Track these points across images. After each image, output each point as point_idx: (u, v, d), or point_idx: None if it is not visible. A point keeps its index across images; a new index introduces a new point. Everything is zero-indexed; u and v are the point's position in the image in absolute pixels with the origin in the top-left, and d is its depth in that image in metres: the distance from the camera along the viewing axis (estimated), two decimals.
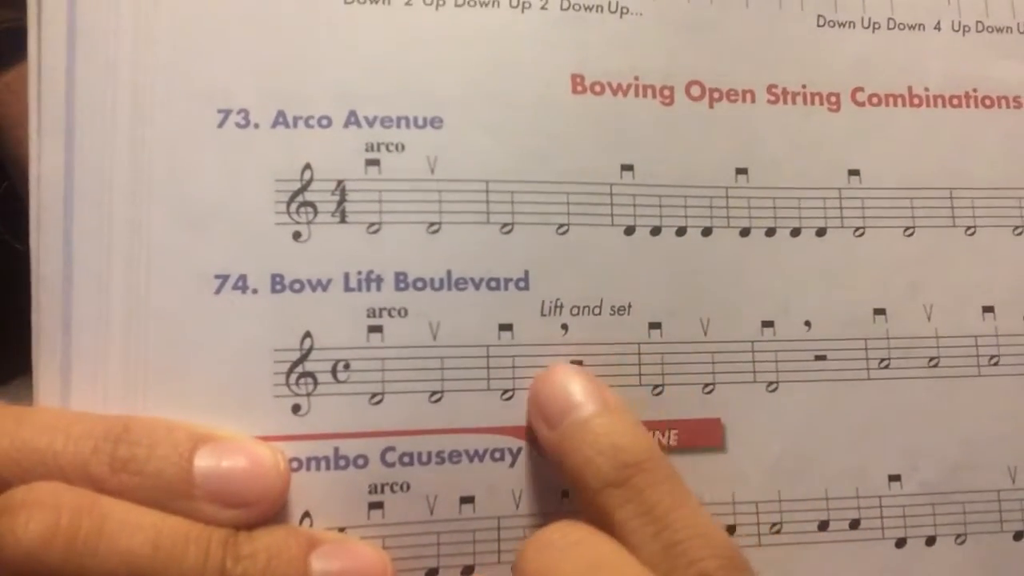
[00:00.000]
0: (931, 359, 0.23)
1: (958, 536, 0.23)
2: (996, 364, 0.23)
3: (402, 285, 0.20)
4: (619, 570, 0.17)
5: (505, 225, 0.21)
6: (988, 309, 0.23)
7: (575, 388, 0.20)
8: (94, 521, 0.16)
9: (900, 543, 0.22)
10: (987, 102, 0.24)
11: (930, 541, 0.22)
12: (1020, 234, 0.24)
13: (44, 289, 0.19)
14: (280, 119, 0.20)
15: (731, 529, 0.22)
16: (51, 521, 0.16)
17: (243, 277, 0.20)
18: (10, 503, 0.16)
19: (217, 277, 0.20)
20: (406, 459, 0.20)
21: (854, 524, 0.22)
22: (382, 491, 0.20)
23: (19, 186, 0.26)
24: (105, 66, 0.20)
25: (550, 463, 0.20)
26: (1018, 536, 0.23)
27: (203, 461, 0.18)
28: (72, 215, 0.20)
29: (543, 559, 0.18)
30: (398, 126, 0.21)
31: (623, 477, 0.18)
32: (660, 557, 0.17)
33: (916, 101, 0.24)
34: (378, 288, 0.20)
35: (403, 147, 0.21)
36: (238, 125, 0.20)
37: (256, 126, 0.20)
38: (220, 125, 0.20)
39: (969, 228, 0.24)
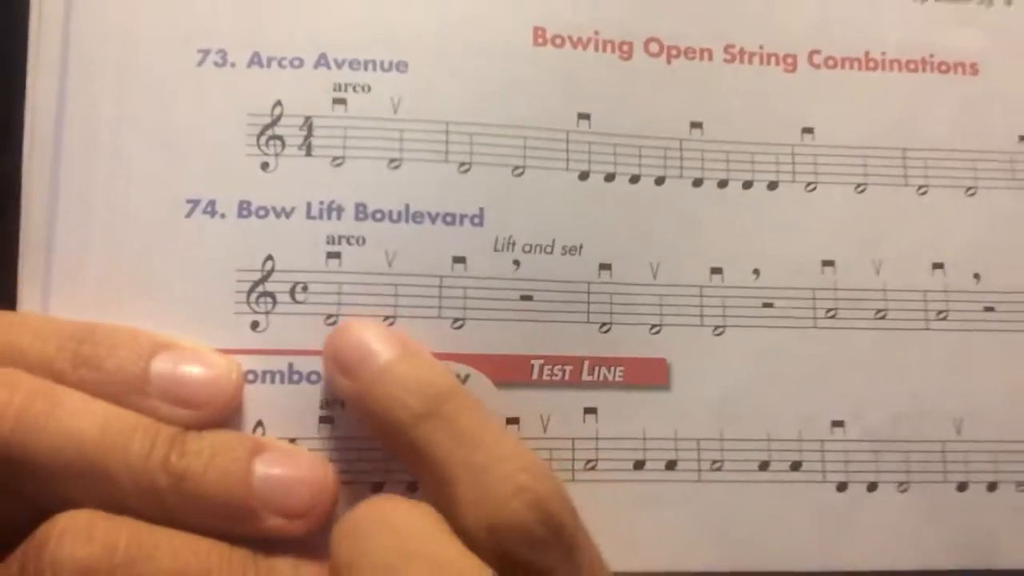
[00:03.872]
0: (878, 311, 0.22)
1: (900, 484, 0.22)
2: (944, 319, 0.23)
3: (361, 215, 0.21)
4: (431, 546, 0.16)
5: (463, 164, 0.21)
6: (938, 265, 0.23)
7: (370, 336, 0.19)
8: (47, 402, 0.17)
9: (841, 487, 0.22)
10: (943, 67, 0.24)
11: (872, 487, 0.22)
12: (972, 195, 0.23)
13: (32, 207, 0.20)
14: (255, 59, 0.21)
15: (672, 464, 0.21)
16: (5, 398, 0.17)
17: (212, 202, 0.20)
18: None
19: (189, 202, 0.20)
20: None
21: (795, 466, 0.22)
22: (333, 407, 0.20)
23: None
24: (96, 8, 0.21)
25: (355, 413, 0.19)
26: (962, 487, 0.22)
27: (160, 364, 0.18)
28: (61, 141, 0.20)
29: (350, 546, 0.17)
30: (365, 69, 0.21)
31: (433, 408, 0.18)
32: (476, 478, 0.17)
33: (872, 65, 0.23)
34: (338, 217, 0.20)
35: (369, 88, 0.21)
36: (216, 64, 0.21)
37: (232, 65, 0.21)
38: (199, 64, 0.21)
39: (921, 187, 0.23)
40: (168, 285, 0.20)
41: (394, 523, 0.17)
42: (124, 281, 0.20)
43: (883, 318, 0.22)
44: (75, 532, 0.16)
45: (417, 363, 0.19)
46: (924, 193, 0.23)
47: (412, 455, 0.18)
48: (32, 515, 0.17)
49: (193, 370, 0.18)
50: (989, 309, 0.23)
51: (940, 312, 0.23)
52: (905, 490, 0.22)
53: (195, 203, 0.20)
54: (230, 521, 0.18)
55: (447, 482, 0.17)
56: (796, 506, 0.22)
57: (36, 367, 0.18)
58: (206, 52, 0.21)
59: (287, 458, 0.18)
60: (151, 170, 0.20)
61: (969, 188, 0.23)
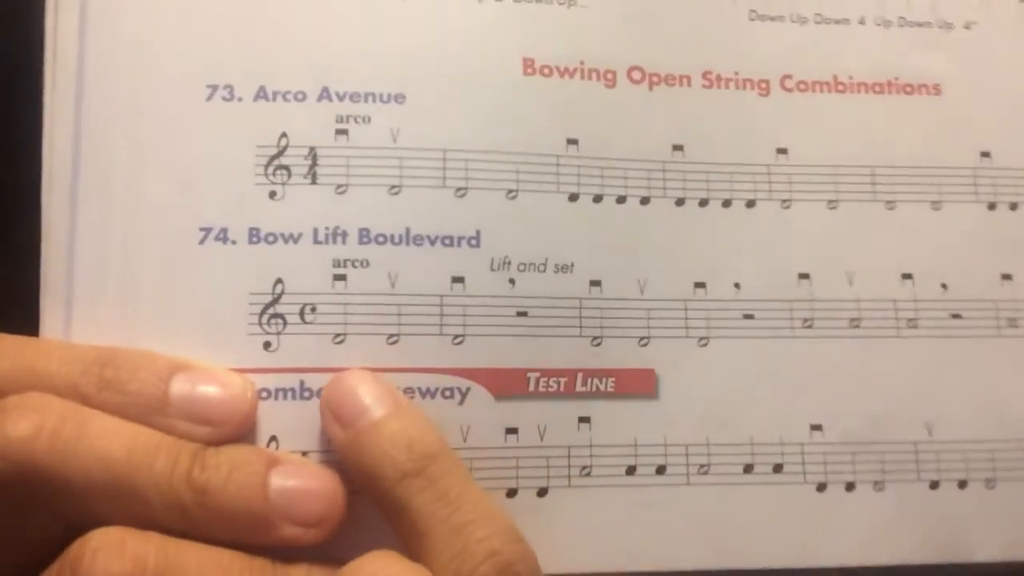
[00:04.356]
0: (852, 320, 0.24)
1: (876, 483, 0.23)
2: (914, 327, 0.24)
3: (365, 239, 0.22)
4: None
5: (460, 189, 0.22)
6: (907, 276, 0.24)
7: (365, 391, 0.20)
8: (77, 425, 0.18)
9: (821, 487, 0.23)
10: (908, 89, 0.25)
11: (849, 487, 0.23)
12: (938, 209, 0.25)
13: (51, 237, 0.21)
14: (261, 93, 0.22)
15: (661, 469, 0.22)
16: (38, 421, 0.17)
17: (224, 230, 0.21)
18: (4, 406, 0.18)
19: (202, 230, 0.21)
20: None
21: (777, 468, 0.23)
22: None
23: None
24: (110, 46, 0.22)
25: (344, 463, 0.20)
26: (934, 485, 0.23)
27: (179, 385, 0.19)
28: (78, 175, 0.21)
29: None
30: (365, 101, 0.22)
31: (420, 467, 0.19)
32: (453, 537, 0.18)
33: (841, 88, 0.25)
34: (343, 241, 0.22)
35: (369, 119, 0.22)
36: (224, 99, 0.22)
37: (240, 99, 0.22)
38: (208, 98, 0.22)
39: (890, 203, 0.24)
40: (184, 309, 0.21)
41: (391, 571, 0.18)
42: (142, 306, 0.21)
43: (857, 327, 0.24)
44: (108, 549, 0.17)
45: (408, 422, 0.20)
46: (892, 208, 0.24)
47: (394, 509, 0.19)
48: (63, 532, 0.18)
49: (210, 390, 0.19)
50: (956, 316, 0.24)
51: (910, 320, 0.24)
52: (881, 489, 0.23)
53: (208, 231, 0.21)
54: (249, 531, 0.19)
55: (424, 538, 0.18)
56: (779, 506, 0.23)
57: (63, 391, 0.19)
58: (214, 88, 0.22)
59: (301, 470, 0.20)
60: (165, 200, 0.21)
61: (935, 202, 0.25)
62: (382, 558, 0.18)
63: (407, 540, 0.19)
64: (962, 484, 0.23)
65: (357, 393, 0.20)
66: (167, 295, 0.21)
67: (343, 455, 0.20)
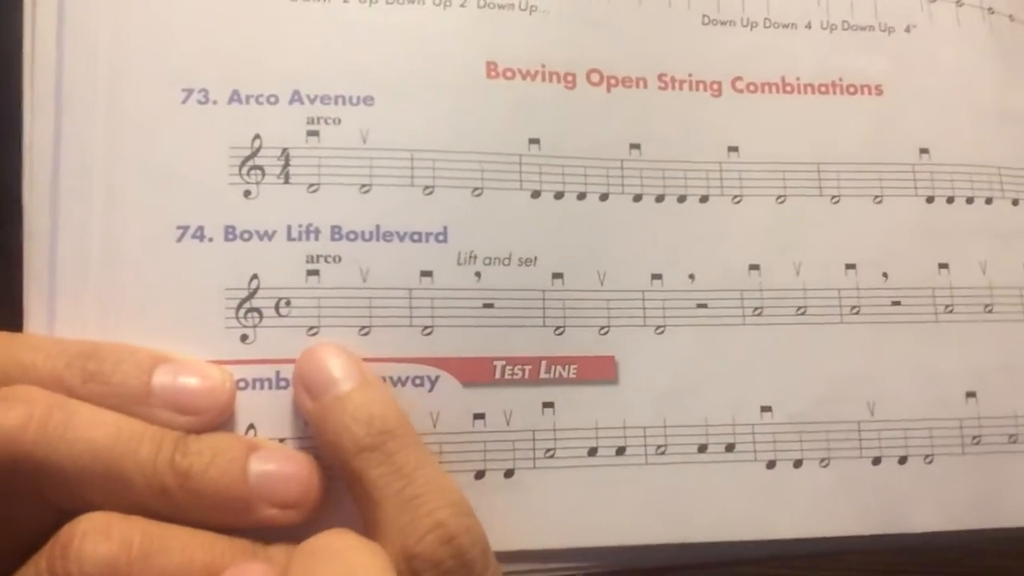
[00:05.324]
0: (799, 308, 0.25)
1: (822, 460, 0.24)
2: (857, 313, 0.25)
3: (337, 236, 0.22)
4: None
5: (427, 187, 0.23)
6: (850, 266, 0.26)
7: (335, 364, 0.21)
8: (64, 414, 0.18)
9: (770, 465, 0.24)
10: (851, 89, 0.26)
11: (797, 464, 0.24)
12: (879, 202, 0.26)
13: (33, 237, 0.22)
14: (235, 97, 0.23)
15: (621, 451, 0.24)
16: (27, 411, 0.18)
17: (201, 228, 0.22)
18: None
19: (179, 228, 0.22)
20: None
21: (730, 447, 0.24)
22: None
23: None
24: (88, 53, 0.22)
25: (313, 436, 0.21)
26: (876, 461, 0.25)
27: (160, 376, 0.20)
28: (58, 176, 0.22)
29: (304, 566, 0.18)
30: (336, 103, 0.23)
31: (377, 443, 0.20)
32: (402, 509, 0.19)
33: (788, 89, 0.26)
34: (316, 238, 0.22)
35: (340, 121, 0.23)
36: (199, 102, 0.23)
37: (214, 102, 0.23)
38: (184, 102, 0.23)
39: (834, 197, 0.26)
40: (164, 304, 0.22)
41: (348, 559, 0.18)
42: (123, 302, 0.22)
43: (803, 314, 0.25)
44: (95, 532, 0.18)
45: (371, 396, 0.20)
46: (837, 202, 0.26)
47: (353, 481, 0.20)
48: (53, 518, 0.19)
49: (190, 381, 0.20)
50: (896, 303, 0.26)
51: (853, 307, 0.25)
52: (826, 465, 0.25)
53: (185, 229, 0.22)
54: (230, 513, 0.19)
55: (377, 509, 0.19)
56: (731, 483, 0.24)
57: (48, 383, 0.19)
58: (190, 91, 0.23)
59: (278, 455, 0.20)
60: (143, 200, 0.22)
61: (876, 196, 0.26)
62: (336, 533, 0.19)
63: (364, 512, 0.20)
64: (902, 460, 0.25)
65: (327, 366, 0.21)
66: (147, 291, 0.22)
67: (312, 427, 0.21)
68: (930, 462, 0.25)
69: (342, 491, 0.21)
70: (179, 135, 0.22)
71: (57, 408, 0.18)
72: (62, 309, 0.21)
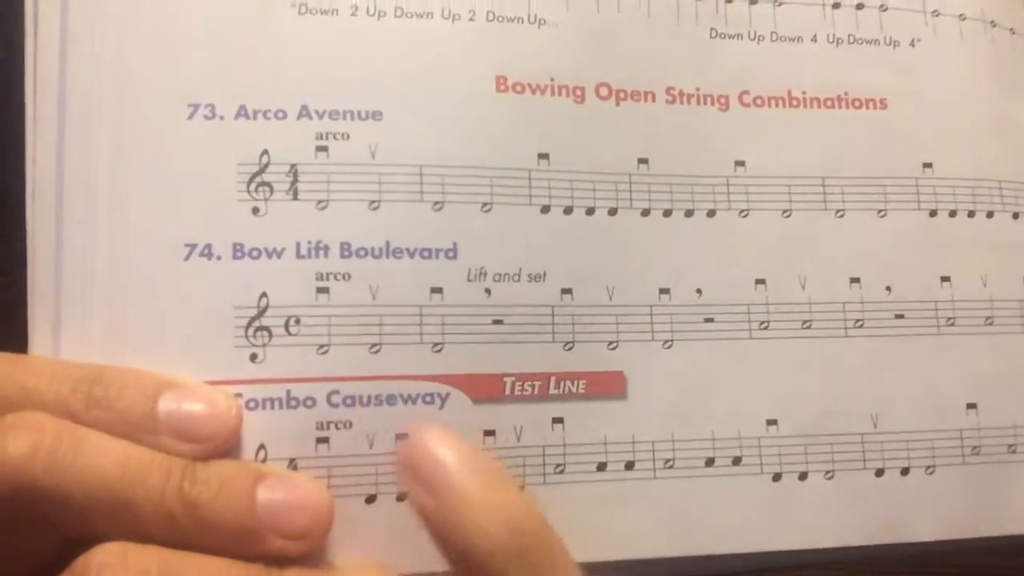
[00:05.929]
0: (804, 322, 0.25)
1: (827, 472, 0.25)
2: (861, 327, 0.25)
3: (346, 253, 0.22)
4: None
5: (436, 203, 0.23)
6: (855, 280, 0.26)
7: (451, 457, 0.19)
8: (73, 442, 0.18)
9: (776, 477, 0.24)
10: (856, 104, 0.26)
11: (803, 476, 0.24)
12: (883, 216, 0.26)
13: (38, 256, 0.21)
14: (242, 112, 0.22)
15: (630, 465, 0.24)
16: (35, 440, 0.18)
17: (208, 246, 0.22)
18: (1, 425, 0.18)
19: (186, 246, 0.22)
20: (349, 401, 0.22)
21: (736, 461, 0.24)
22: (328, 428, 0.22)
23: None
24: (92, 66, 0.22)
25: (428, 528, 0.19)
26: (879, 473, 0.25)
27: (166, 403, 0.20)
28: (62, 193, 0.21)
29: None
30: (344, 118, 0.23)
31: (521, 546, 0.18)
32: None
33: (795, 103, 0.26)
34: (325, 255, 0.22)
35: (348, 136, 0.23)
36: (205, 117, 0.22)
37: (221, 118, 0.22)
38: (190, 117, 0.22)
39: (839, 211, 0.26)
40: (171, 324, 0.21)
41: None
42: (130, 322, 0.21)
43: (808, 328, 0.25)
44: (112, 565, 0.17)
45: (505, 496, 0.19)
46: (842, 216, 0.26)
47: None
48: (58, 545, 0.18)
49: (196, 407, 0.20)
50: (899, 316, 0.26)
51: (857, 321, 0.25)
52: (831, 477, 0.25)
53: (192, 247, 0.22)
54: (239, 543, 0.19)
55: None
56: (738, 496, 0.24)
57: (53, 408, 0.19)
58: (196, 106, 0.22)
59: (287, 484, 0.20)
60: (149, 218, 0.22)
61: (880, 211, 0.26)
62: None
63: None
64: (904, 471, 0.25)
65: (445, 459, 0.19)
66: (154, 310, 0.21)
67: (426, 518, 0.19)
68: (931, 472, 0.25)
69: (356, 514, 0.20)
70: (185, 151, 0.22)
71: (66, 436, 0.18)
72: (67, 330, 0.21)
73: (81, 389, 0.19)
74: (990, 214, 0.27)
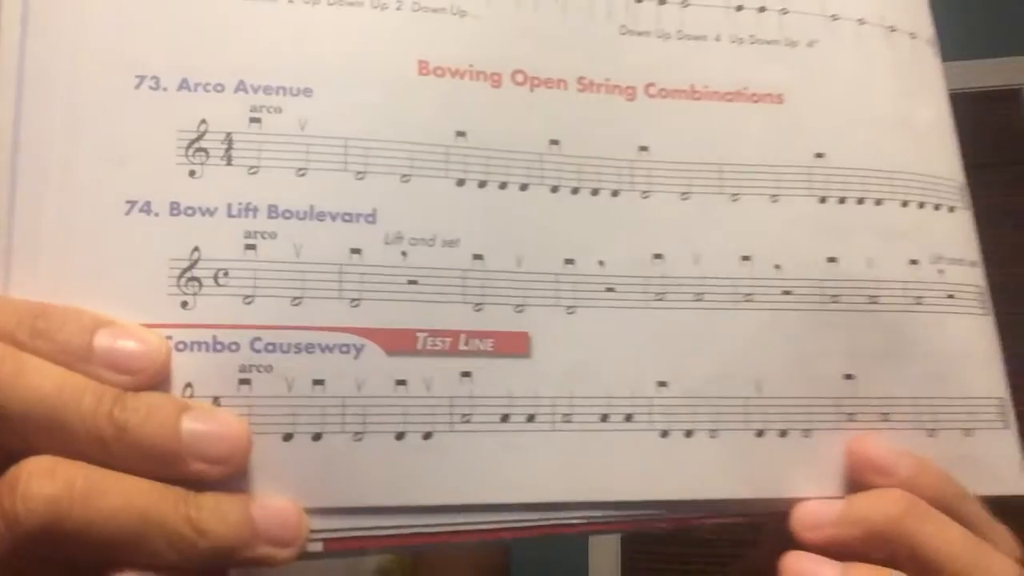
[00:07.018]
0: (697, 294, 0.27)
1: (711, 431, 0.27)
2: (750, 300, 0.28)
3: (273, 214, 0.24)
4: None
5: (359, 173, 0.25)
6: (746, 258, 0.28)
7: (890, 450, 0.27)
8: (15, 364, 0.20)
9: (664, 434, 0.26)
10: (754, 97, 0.29)
11: (688, 434, 0.27)
12: (776, 201, 0.28)
13: None
14: (184, 84, 0.24)
15: (531, 418, 0.26)
16: None
17: (148, 203, 0.24)
18: None
19: (128, 202, 0.24)
20: (270, 347, 0.24)
21: (628, 417, 0.26)
22: (250, 371, 0.24)
23: None
24: (49, 40, 0.24)
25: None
26: (759, 433, 0.27)
27: (101, 338, 0.22)
28: (17, 154, 0.23)
29: None
30: (277, 93, 0.25)
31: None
32: None
33: (697, 96, 0.28)
34: (254, 216, 0.24)
35: (280, 110, 0.25)
36: (150, 88, 0.24)
37: (165, 89, 0.24)
38: (136, 87, 0.24)
39: (734, 195, 0.28)
40: (112, 272, 0.23)
41: None
42: (74, 267, 0.23)
43: (701, 300, 0.27)
44: (40, 472, 0.19)
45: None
46: (736, 200, 0.28)
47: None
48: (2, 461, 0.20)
49: (129, 344, 0.22)
50: (787, 293, 0.28)
51: (747, 295, 0.28)
52: (715, 436, 0.27)
53: (133, 203, 0.24)
54: (162, 465, 0.21)
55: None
56: (629, 450, 0.26)
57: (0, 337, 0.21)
58: (142, 78, 0.24)
59: (209, 415, 0.22)
60: (96, 176, 0.24)
61: (773, 196, 0.28)
62: None
63: None
64: (783, 433, 0.27)
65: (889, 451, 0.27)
66: (96, 258, 0.23)
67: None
68: (808, 435, 0.27)
69: (270, 451, 0.23)
70: (131, 117, 0.24)
71: (9, 358, 0.20)
72: (16, 271, 0.23)
73: (26, 322, 0.21)
74: (879, 201, 0.29)
